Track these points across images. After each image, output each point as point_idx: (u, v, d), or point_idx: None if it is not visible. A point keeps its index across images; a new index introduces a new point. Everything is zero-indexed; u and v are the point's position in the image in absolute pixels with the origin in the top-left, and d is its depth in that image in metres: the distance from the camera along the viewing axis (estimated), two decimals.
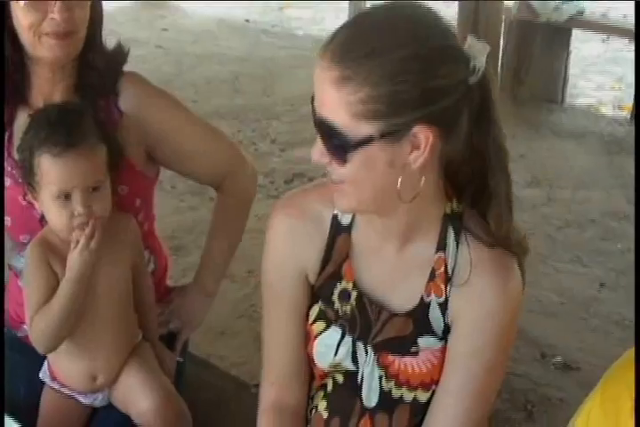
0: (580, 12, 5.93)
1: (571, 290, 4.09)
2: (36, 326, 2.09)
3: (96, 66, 2.19)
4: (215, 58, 6.94)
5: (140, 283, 2.25)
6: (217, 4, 8.13)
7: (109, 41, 2.25)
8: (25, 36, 2.06)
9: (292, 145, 5.42)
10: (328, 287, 1.84)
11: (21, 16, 2.02)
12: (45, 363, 2.23)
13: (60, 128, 2.03)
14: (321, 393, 1.94)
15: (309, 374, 1.96)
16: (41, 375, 2.23)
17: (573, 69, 6.35)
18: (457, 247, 1.74)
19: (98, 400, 2.22)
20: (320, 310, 1.86)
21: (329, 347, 1.85)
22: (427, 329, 1.78)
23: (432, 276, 1.76)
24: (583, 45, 7.02)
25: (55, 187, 2.03)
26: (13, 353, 2.25)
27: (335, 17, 7.79)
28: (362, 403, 1.86)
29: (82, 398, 2.21)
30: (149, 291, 2.29)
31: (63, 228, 2.06)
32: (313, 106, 1.61)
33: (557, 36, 6.07)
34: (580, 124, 5.92)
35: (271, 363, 1.96)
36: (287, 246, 1.86)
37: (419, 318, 1.78)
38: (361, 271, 1.82)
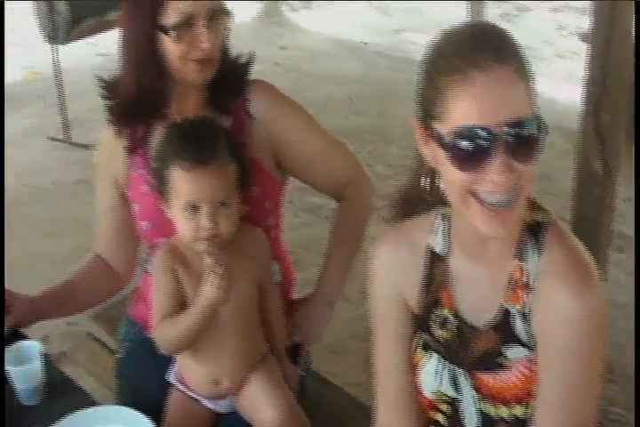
0: None
1: None
2: (159, 333, 2.16)
3: (227, 77, 2.29)
4: (331, 78, 6.99)
5: (267, 296, 2.28)
6: (334, 25, 8.20)
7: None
8: (175, 63, 2.20)
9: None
10: (428, 315, 1.86)
11: (173, 46, 2.17)
12: (175, 366, 2.28)
13: (191, 144, 2.10)
14: None
15: (418, 403, 1.95)
16: (169, 377, 2.29)
17: None
18: (538, 256, 1.72)
19: (222, 406, 2.27)
20: (422, 339, 1.88)
21: (430, 375, 1.87)
22: (512, 338, 1.76)
23: (510, 284, 1.74)
24: None
25: (184, 199, 2.10)
26: (146, 354, 2.35)
27: None
28: None
29: (207, 403, 2.26)
30: (276, 305, 2.32)
31: (190, 238, 2.12)
32: (481, 126, 1.55)
33: None
34: None
35: (382, 389, 1.96)
36: (387, 276, 1.90)
37: (501, 327, 1.76)
38: (459, 298, 1.83)
